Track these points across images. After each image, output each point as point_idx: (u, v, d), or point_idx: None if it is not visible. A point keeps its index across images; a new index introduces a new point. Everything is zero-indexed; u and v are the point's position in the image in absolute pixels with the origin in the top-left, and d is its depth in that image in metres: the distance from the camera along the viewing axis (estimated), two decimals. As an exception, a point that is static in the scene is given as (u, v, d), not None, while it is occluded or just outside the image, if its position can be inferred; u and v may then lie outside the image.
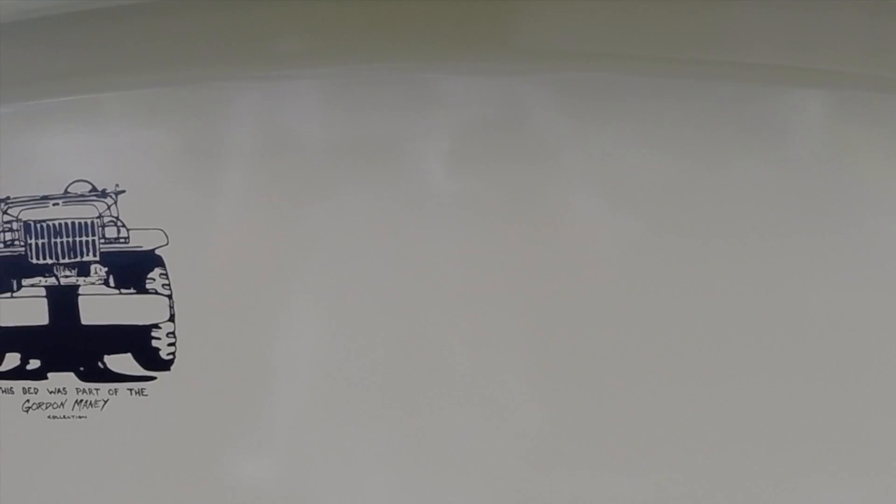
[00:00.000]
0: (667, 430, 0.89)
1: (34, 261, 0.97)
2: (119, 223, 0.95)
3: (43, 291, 0.97)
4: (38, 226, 0.97)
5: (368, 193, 0.90)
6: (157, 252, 0.94)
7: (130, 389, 0.96)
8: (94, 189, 0.95)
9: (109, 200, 0.95)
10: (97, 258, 0.95)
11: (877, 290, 0.89)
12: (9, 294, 0.98)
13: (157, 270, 0.94)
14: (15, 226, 0.97)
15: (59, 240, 0.96)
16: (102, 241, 0.95)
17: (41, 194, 0.97)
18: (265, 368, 0.95)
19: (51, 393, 0.99)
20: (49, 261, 0.97)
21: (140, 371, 0.96)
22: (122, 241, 0.95)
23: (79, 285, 0.96)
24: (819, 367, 0.90)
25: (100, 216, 0.95)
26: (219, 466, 0.98)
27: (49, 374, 0.99)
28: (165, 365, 0.95)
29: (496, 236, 0.90)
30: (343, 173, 0.91)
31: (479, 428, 0.91)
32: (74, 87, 0.97)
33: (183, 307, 0.95)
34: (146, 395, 0.96)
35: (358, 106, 0.93)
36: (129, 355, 0.96)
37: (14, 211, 0.98)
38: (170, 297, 0.94)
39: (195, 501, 0.99)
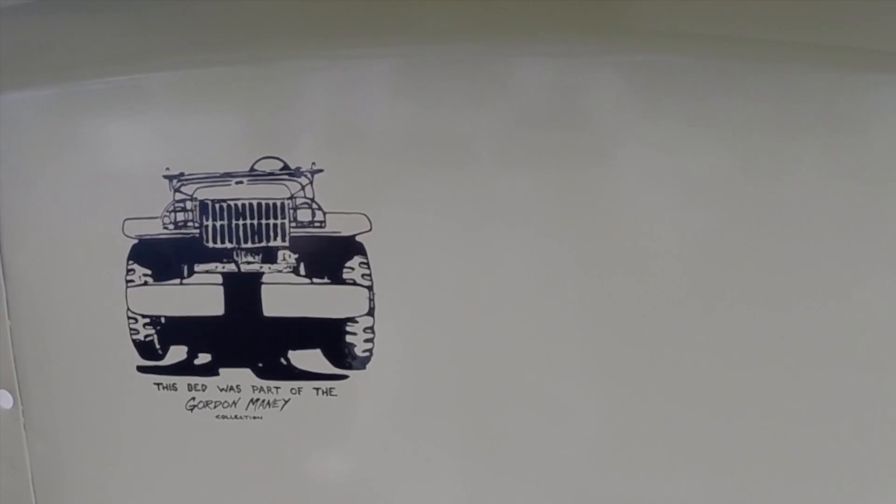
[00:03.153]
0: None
1: (210, 244, 0.87)
2: (315, 205, 0.85)
3: (219, 279, 0.87)
4: (217, 206, 0.87)
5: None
6: (357, 239, 0.84)
7: (317, 389, 0.88)
8: (286, 167, 0.85)
9: (304, 180, 0.85)
10: (286, 243, 0.86)
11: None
12: (178, 280, 0.88)
13: (357, 259, 0.85)
14: (189, 205, 0.87)
15: (241, 222, 0.86)
16: (294, 224, 0.85)
17: (222, 171, 0.86)
18: (471, 369, 0.86)
19: (222, 391, 0.89)
20: (228, 245, 0.87)
21: (330, 369, 0.88)
22: (317, 225, 0.85)
23: (262, 273, 0.86)
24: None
25: (292, 197, 0.85)
26: (414, 476, 0.89)
27: (221, 371, 0.89)
28: (360, 363, 0.86)
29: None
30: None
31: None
32: (261, 55, 0.86)
33: (384, 300, 0.85)
34: (335, 395, 0.87)
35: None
36: (317, 351, 0.87)
37: (188, 189, 0.87)
38: (370, 288, 0.85)
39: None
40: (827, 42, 0.79)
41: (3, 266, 0.93)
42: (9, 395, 0.96)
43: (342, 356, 0.87)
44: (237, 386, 0.89)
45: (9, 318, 0.95)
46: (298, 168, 0.84)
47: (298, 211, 0.85)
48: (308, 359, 0.88)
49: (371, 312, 0.85)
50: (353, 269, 0.85)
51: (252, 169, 0.85)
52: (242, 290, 0.87)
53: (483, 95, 0.83)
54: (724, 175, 0.81)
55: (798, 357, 0.82)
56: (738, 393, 0.83)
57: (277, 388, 0.88)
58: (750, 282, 0.81)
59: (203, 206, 0.86)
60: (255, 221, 0.86)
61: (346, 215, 0.85)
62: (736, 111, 0.80)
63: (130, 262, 0.89)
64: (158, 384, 0.90)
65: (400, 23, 0.82)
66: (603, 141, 0.82)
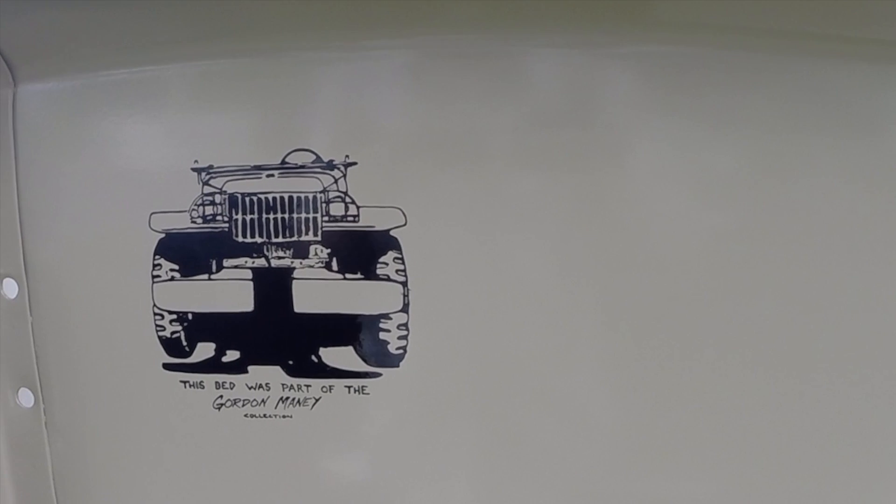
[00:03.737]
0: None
1: (240, 239, 0.85)
2: (348, 199, 0.82)
3: (248, 274, 0.85)
4: (248, 199, 0.84)
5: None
6: (392, 233, 0.82)
7: (348, 387, 0.85)
8: (318, 159, 0.83)
9: (337, 173, 0.83)
10: (318, 238, 0.83)
11: None
12: (206, 276, 0.86)
13: (392, 254, 0.82)
14: (218, 198, 0.85)
15: (272, 216, 0.84)
16: (326, 218, 0.83)
17: (252, 164, 0.84)
18: (507, 367, 0.84)
19: (250, 389, 0.87)
20: (259, 239, 0.84)
21: (362, 366, 0.86)
22: (350, 219, 0.83)
23: (294, 268, 0.84)
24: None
25: (324, 190, 0.83)
26: (448, 476, 0.87)
27: (250, 368, 0.87)
28: (394, 360, 0.84)
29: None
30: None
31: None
32: (291, 46, 0.84)
33: (418, 296, 0.83)
34: (367, 394, 0.85)
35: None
36: (349, 349, 0.85)
37: (217, 182, 0.85)
38: (404, 284, 0.82)
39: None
40: (849, 34, 0.77)
41: (24, 261, 0.91)
42: (30, 393, 0.94)
43: (375, 353, 0.86)
44: (266, 384, 0.86)
45: (30, 314, 0.92)
46: (331, 161, 0.82)
47: (331, 205, 0.83)
48: (340, 356, 0.86)
49: (405, 309, 0.83)
50: (387, 264, 0.83)
51: (283, 162, 0.83)
52: (273, 285, 0.84)
53: (511, 89, 0.81)
54: (740, 173, 0.79)
55: (817, 357, 0.80)
56: (756, 395, 0.81)
57: (308, 386, 0.86)
58: (768, 283, 0.80)
59: (233, 199, 0.84)
60: (287, 215, 0.84)
61: (380, 209, 0.82)
62: (753, 107, 0.78)
63: (157, 256, 0.87)
64: (185, 382, 0.88)
65: (428, 13, 0.79)
66: (615, 137, 0.81)
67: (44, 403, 0.93)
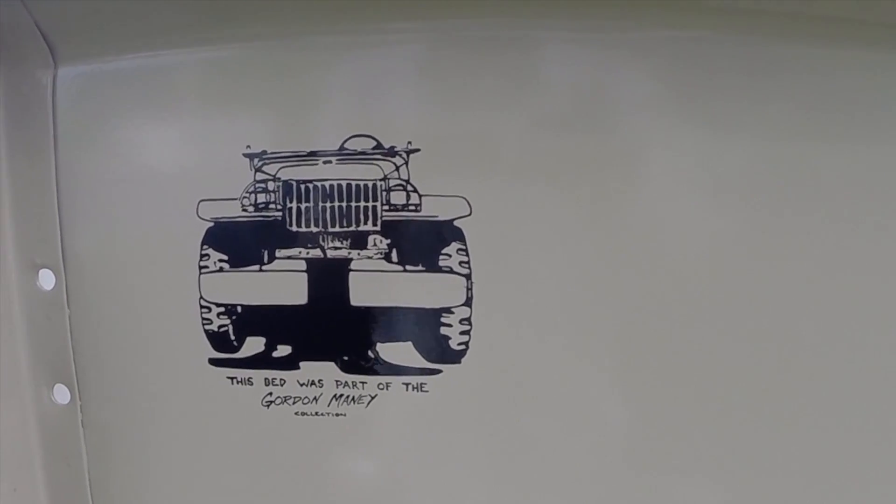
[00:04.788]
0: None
1: (294, 228, 0.81)
2: (410, 187, 0.79)
3: (303, 265, 0.81)
4: (303, 186, 0.80)
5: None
6: (455, 223, 0.78)
7: (407, 384, 0.81)
8: (379, 146, 0.79)
9: (399, 160, 0.79)
10: (378, 228, 0.80)
11: None
12: (256, 267, 0.82)
13: (455, 245, 0.79)
14: (271, 186, 0.80)
15: (329, 204, 0.80)
16: (386, 207, 0.79)
17: (308, 149, 0.79)
18: (570, 367, 0.80)
19: (302, 385, 0.83)
20: (314, 229, 0.80)
21: (421, 363, 0.82)
22: (411, 208, 0.79)
23: (351, 259, 0.80)
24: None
25: (385, 178, 0.79)
26: (513, 480, 0.83)
27: (302, 364, 0.83)
28: (455, 356, 0.80)
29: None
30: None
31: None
32: (354, 25, 0.80)
33: (482, 290, 0.79)
34: (426, 392, 0.81)
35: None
36: (409, 344, 0.81)
37: (271, 168, 0.81)
38: (468, 277, 0.78)
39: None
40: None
41: (62, 250, 0.87)
42: (66, 389, 0.89)
43: (435, 349, 0.82)
44: (319, 381, 0.83)
45: (68, 307, 0.88)
46: (393, 147, 0.78)
47: (392, 193, 0.79)
48: (398, 352, 0.82)
49: (468, 303, 0.79)
50: (450, 255, 0.79)
51: (342, 147, 0.79)
52: (328, 277, 0.80)
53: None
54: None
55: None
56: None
57: (363, 383, 0.82)
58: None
59: (287, 186, 0.80)
60: (345, 204, 0.80)
61: (443, 198, 0.79)
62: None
63: (205, 246, 0.82)
64: (232, 378, 0.84)
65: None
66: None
67: (80, 400, 0.89)
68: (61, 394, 0.90)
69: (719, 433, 0.80)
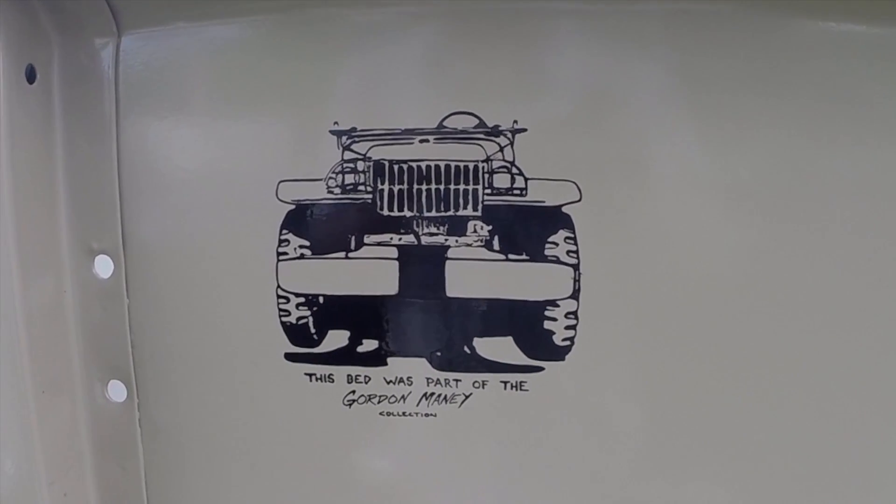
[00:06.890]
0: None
1: (385, 212, 0.74)
2: (515, 170, 0.72)
3: (394, 252, 0.75)
4: (396, 167, 0.74)
5: None
6: (564, 210, 0.72)
7: (505, 382, 0.76)
8: (481, 124, 0.72)
9: (503, 140, 0.73)
10: (478, 213, 0.74)
11: None
12: (342, 254, 0.75)
13: (563, 233, 0.73)
14: (360, 166, 0.74)
15: (424, 186, 0.74)
16: (488, 191, 0.73)
17: (403, 127, 0.73)
18: (679, 366, 0.75)
19: (389, 383, 0.77)
20: (408, 213, 0.74)
21: (522, 359, 0.77)
22: (516, 192, 0.73)
23: (448, 246, 0.74)
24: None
25: (488, 159, 0.73)
26: (616, 487, 0.77)
27: (390, 360, 0.77)
28: (559, 353, 0.74)
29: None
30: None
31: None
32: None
33: (591, 281, 0.73)
34: (525, 391, 0.76)
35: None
36: (509, 339, 0.76)
37: (360, 147, 0.74)
38: (576, 267, 0.72)
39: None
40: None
41: (122, 235, 0.79)
42: (122, 385, 0.82)
43: (538, 345, 0.77)
44: (408, 378, 0.77)
45: (127, 297, 0.80)
46: (497, 126, 0.73)
47: (495, 176, 0.73)
48: (497, 347, 0.77)
49: (575, 295, 0.74)
50: (556, 244, 0.73)
51: (440, 126, 0.73)
52: (422, 265, 0.75)
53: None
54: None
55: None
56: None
57: (457, 381, 0.76)
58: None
59: (378, 166, 0.73)
60: (442, 186, 0.74)
61: (551, 182, 0.74)
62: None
63: (284, 231, 0.76)
64: (311, 375, 0.78)
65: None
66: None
67: (138, 398, 0.83)
68: (116, 391, 0.83)
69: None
